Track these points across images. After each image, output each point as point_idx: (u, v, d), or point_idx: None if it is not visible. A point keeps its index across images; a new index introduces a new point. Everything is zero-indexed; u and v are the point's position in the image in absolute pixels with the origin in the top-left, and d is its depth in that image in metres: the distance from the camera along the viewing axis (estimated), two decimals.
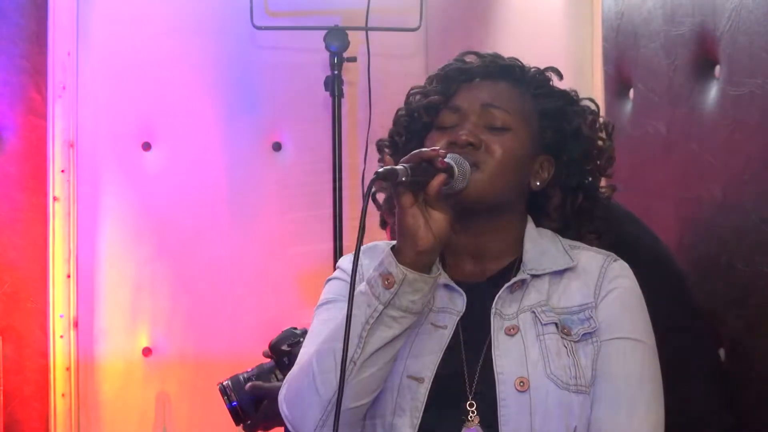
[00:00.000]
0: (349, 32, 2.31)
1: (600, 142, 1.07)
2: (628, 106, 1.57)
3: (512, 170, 1.00)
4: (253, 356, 1.49)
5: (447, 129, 1.01)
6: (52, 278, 2.34)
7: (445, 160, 0.92)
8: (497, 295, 0.99)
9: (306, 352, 0.99)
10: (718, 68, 1.25)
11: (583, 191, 1.06)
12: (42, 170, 2.35)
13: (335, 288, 1.05)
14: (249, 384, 1.37)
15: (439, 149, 0.93)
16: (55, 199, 2.35)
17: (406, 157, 0.92)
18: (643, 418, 0.95)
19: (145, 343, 2.42)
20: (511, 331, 0.97)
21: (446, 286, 1.00)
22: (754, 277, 1.13)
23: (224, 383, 1.40)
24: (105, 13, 2.44)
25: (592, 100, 1.09)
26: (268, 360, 1.43)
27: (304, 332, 1.43)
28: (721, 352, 1.24)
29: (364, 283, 0.92)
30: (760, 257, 1.12)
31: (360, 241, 0.90)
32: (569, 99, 1.06)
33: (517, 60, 1.08)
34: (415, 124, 1.06)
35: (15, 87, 2.33)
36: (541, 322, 0.96)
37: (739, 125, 1.18)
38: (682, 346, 1.13)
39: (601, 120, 1.09)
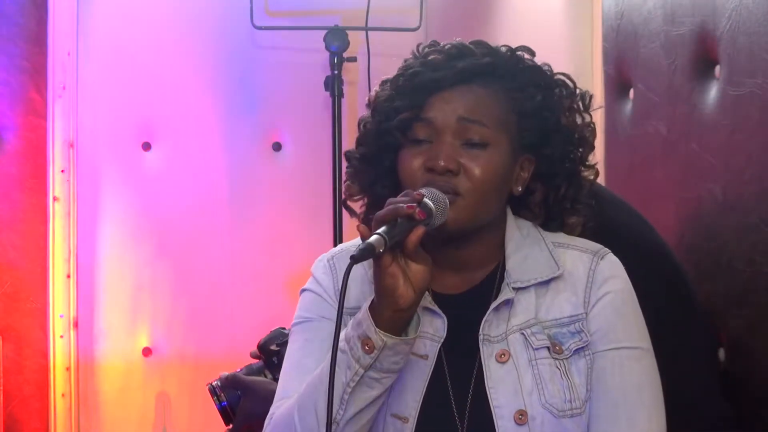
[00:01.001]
0: (349, 32, 2.31)
1: (580, 128, 1.01)
2: (628, 106, 1.57)
3: (494, 189, 0.96)
4: None
5: (421, 142, 0.96)
6: (52, 278, 2.34)
7: (423, 201, 0.88)
8: (483, 319, 0.94)
9: (286, 383, 0.96)
10: (718, 68, 1.25)
11: (566, 181, 1.00)
12: (42, 170, 2.35)
13: (311, 305, 1.01)
14: (229, 374, 1.37)
15: (416, 195, 0.88)
16: (55, 199, 2.35)
17: (381, 213, 0.87)
18: (644, 428, 0.92)
19: (145, 343, 2.42)
20: (503, 358, 0.92)
21: (426, 308, 0.95)
22: (754, 277, 1.13)
23: (213, 383, 1.40)
24: (105, 13, 2.44)
25: (566, 75, 1.02)
26: (257, 360, 1.43)
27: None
28: (721, 352, 1.24)
29: (344, 340, 0.88)
30: (760, 257, 1.12)
31: (339, 319, 0.85)
32: (545, 86, 0.99)
33: (484, 45, 1.00)
34: (385, 138, 0.99)
35: (15, 87, 2.33)
36: (532, 347, 0.93)
37: (739, 125, 1.18)
38: (675, 329, 1.12)
39: (577, 95, 1.02)
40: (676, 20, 1.36)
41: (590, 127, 1.03)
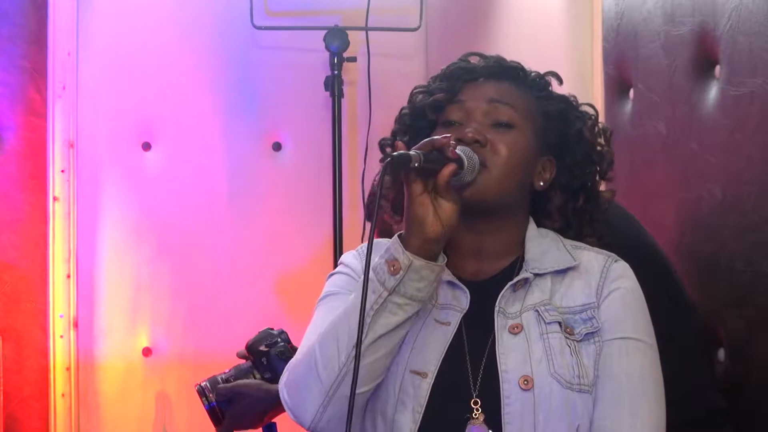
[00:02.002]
0: (349, 32, 2.31)
1: (599, 148, 1.08)
2: (628, 106, 1.57)
3: (518, 169, 1.01)
4: None
5: (453, 125, 1.02)
6: (52, 278, 2.34)
7: (456, 150, 0.93)
8: (500, 294, 0.99)
9: (308, 339, 0.99)
10: (718, 68, 1.25)
11: (584, 193, 1.06)
12: (42, 170, 2.35)
13: (337, 281, 1.05)
14: (221, 386, 1.38)
15: (450, 138, 0.94)
16: (55, 199, 2.36)
17: (417, 144, 0.92)
18: (645, 417, 0.95)
19: (145, 343, 2.42)
20: (515, 330, 0.97)
21: (450, 283, 1.00)
22: (754, 277, 1.13)
23: (202, 384, 1.40)
24: (105, 13, 2.44)
25: (591, 105, 1.10)
26: (244, 361, 1.43)
27: (281, 333, 1.44)
28: (721, 352, 1.24)
29: (372, 270, 0.92)
30: (760, 257, 1.12)
31: (375, 220, 0.92)
32: (570, 103, 1.07)
33: (519, 64, 1.09)
34: (419, 122, 1.06)
35: (15, 87, 2.33)
36: (544, 321, 0.97)
37: (739, 125, 1.18)
38: (669, 325, 1.13)
39: (600, 125, 1.09)
40: (676, 20, 1.36)
41: (610, 152, 1.09)
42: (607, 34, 1.66)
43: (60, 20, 2.37)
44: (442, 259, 0.94)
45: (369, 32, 2.41)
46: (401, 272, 0.90)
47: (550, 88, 1.08)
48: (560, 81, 1.09)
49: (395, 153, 0.90)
